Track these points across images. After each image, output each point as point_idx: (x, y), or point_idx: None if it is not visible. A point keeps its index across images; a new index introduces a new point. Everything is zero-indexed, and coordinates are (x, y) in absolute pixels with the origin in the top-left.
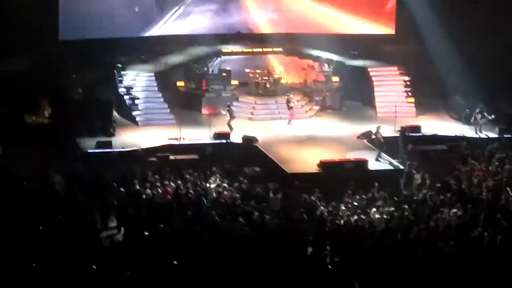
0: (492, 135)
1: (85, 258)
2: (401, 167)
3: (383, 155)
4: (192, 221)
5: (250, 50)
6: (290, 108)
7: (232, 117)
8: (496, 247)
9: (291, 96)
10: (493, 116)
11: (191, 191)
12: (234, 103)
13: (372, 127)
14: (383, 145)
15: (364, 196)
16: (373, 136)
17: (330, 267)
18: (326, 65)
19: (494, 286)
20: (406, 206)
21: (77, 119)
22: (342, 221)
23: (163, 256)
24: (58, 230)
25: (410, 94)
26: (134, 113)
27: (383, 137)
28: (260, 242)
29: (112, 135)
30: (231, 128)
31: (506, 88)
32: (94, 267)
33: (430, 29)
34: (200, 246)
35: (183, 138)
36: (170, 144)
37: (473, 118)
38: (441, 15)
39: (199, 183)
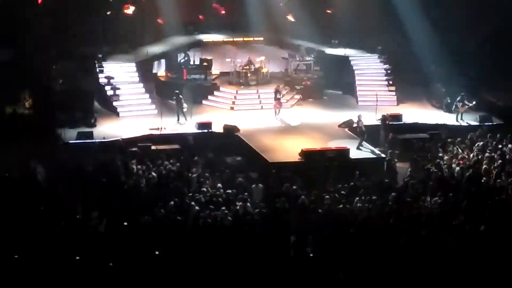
0: (473, 123)
1: (67, 249)
2: (383, 155)
3: (365, 143)
4: (175, 211)
5: (231, 39)
6: (277, 99)
7: (180, 105)
8: (478, 234)
9: (281, 87)
10: (474, 103)
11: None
12: (215, 93)
13: (353, 116)
14: (365, 133)
15: (346, 185)
16: (355, 125)
17: (312, 256)
18: (306, 54)
19: (477, 273)
20: (387, 195)
21: (58, 110)
22: (324, 210)
23: (145, 246)
24: (39, 221)
25: (391, 82)
26: (115, 103)
27: (364, 125)
28: (243, 231)
29: (93, 125)
30: (180, 117)
31: (486, 77)
32: (77, 258)
33: (411, 18)
34: (182, 236)
35: (164, 128)
36: (151, 134)
37: (454, 106)
38: (423, 4)
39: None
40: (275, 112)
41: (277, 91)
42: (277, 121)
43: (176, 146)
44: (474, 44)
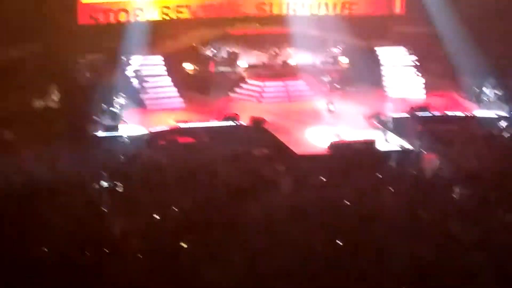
0: (502, 113)
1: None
2: (411, 147)
3: (392, 135)
4: (203, 204)
5: (257, 31)
6: (330, 111)
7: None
8: (506, 227)
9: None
10: (502, 92)
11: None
12: (243, 85)
13: (381, 108)
14: (392, 125)
15: (372, 178)
16: (382, 117)
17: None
18: (334, 46)
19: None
20: (416, 187)
21: (85, 103)
22: (351, 203)
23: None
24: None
25: (418, 74)
26: (142, 96)
27: (392, 117)
28: (270, 224)
29: (121, 119)
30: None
31: None
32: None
33: (438, 8)
34: (211, 228)
35: (192, 121)
36: (178, 128)
37: (482, 96)
38: None
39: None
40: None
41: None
42: (304, 113)
43: (204, 139)
44: (504, 34)
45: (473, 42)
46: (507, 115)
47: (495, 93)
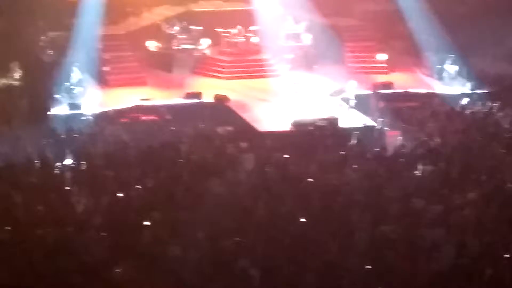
0: (464, 90)
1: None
2: (373, 124)
3: (355, 112)
4: (165, 181)
5: (220, 8)
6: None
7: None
8: (468, 203)
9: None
10: (463, 69)
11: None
12: (206, 63)
13: (343, 85)
14: (355, 102)
15: (336, 154)
16: (345, 94)
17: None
18: (297, 23)
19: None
20: (378, 163)
21: (48, 82)
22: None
23: (135, 216)
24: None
25: (381, 51)
26: (104, 73)
27: (355, 94)
28: (234, 201)
29: (83, 96)
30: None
31: (476, 44)
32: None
33: None
34: (173, 205)
35: (155, 99)
36: (141, 105)
37: (444, 72)
38: None
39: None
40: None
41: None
42: (267, 90)
43: (167, 116)
44: (464, 11)
45: (435, 20)
46: (469, 92)
47: (456, 70)
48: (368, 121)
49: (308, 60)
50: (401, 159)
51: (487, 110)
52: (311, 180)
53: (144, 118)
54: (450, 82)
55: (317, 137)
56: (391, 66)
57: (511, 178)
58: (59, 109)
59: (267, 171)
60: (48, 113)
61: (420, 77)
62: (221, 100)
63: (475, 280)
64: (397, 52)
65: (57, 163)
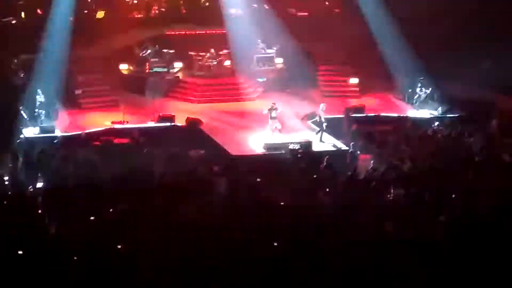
0: (435, 114)
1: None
2: (345, 147)
3: (327, 135)
4: (138, 204)
5: (193, 32)
6: (272, 118)
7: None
8: (440, 227)
9: (275, 105)
10: (434, 93)
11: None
12: (178, 86)
13: (316, 109)
14: (327, 125)
15: (309, 178)
16: (317, 117)
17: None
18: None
19: (440, 265)
20: (350, 187)
21: (19, 104)
22: (286, 203)
23: (108, 241)
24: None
25: (353, 74)
26: (77, 97)
27: (325, 118)
28: (207, 225)
29: (56, 119)
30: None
31: (449, 69)
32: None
33: (373, 10)
34: (147, 229)
35: (127, 122)
36: (114, 128)
37: (416, 96)
38: None
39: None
40: (272, 130)
41: (271, 109)
42: (240, 113)
43: (140, 139)
44: (436, 36)
45: (406, 44)
46: (440, 116)
47: (427, 94)
48: (340, 145)
49: (280, 84)
50: (373, 183)
51: (458, 134)
52: (283, 203)
53: (116, 141)
54: (421, 106)
55: (289, 161)
56: (363, 89)
57: (482, 202)
58: (31, 132)
59: (239, 194)
60: (20, 136)
61: (392, 101)
62: (193, 123)
63: None
64: (369, 76)
65: (29, 186)
